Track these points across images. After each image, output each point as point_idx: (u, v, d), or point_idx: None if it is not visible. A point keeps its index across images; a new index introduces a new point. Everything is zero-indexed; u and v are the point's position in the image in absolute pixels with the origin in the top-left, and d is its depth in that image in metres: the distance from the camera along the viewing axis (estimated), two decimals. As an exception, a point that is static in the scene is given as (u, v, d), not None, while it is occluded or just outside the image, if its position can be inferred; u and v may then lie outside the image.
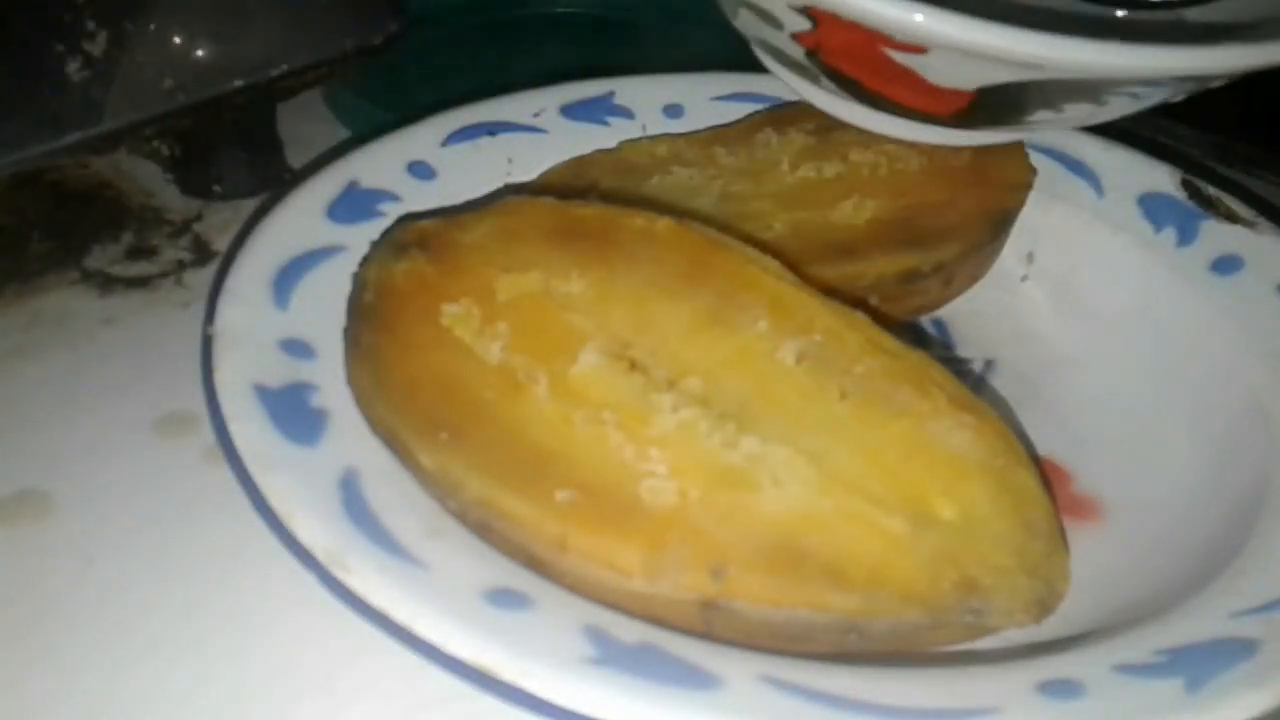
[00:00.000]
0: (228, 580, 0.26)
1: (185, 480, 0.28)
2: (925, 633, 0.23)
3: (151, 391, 0.30)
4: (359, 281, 0.27)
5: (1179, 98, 0.30)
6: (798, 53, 0.31)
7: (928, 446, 0.24)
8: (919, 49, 0.27)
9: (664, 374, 0.24)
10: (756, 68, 0.36)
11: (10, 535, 0.26)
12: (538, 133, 0.34)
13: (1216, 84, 0.29)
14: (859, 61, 0.29)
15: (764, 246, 0.27)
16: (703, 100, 0.36)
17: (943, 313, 0.33)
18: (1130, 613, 0.24)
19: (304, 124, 0.39)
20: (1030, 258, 0.34)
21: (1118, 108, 0.29)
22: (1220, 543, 0.25)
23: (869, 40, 0.28)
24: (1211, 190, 0.33)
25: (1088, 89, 0.28)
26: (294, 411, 0.24)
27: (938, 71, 0.28)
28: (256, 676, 0.24)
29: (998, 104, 0.29)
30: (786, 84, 0.34)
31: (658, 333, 0.25)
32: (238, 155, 0.37)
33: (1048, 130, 0.33)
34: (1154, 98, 0.29)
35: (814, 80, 0.32)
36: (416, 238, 0.27)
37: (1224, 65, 0.27)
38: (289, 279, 0.28)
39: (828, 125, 0.34)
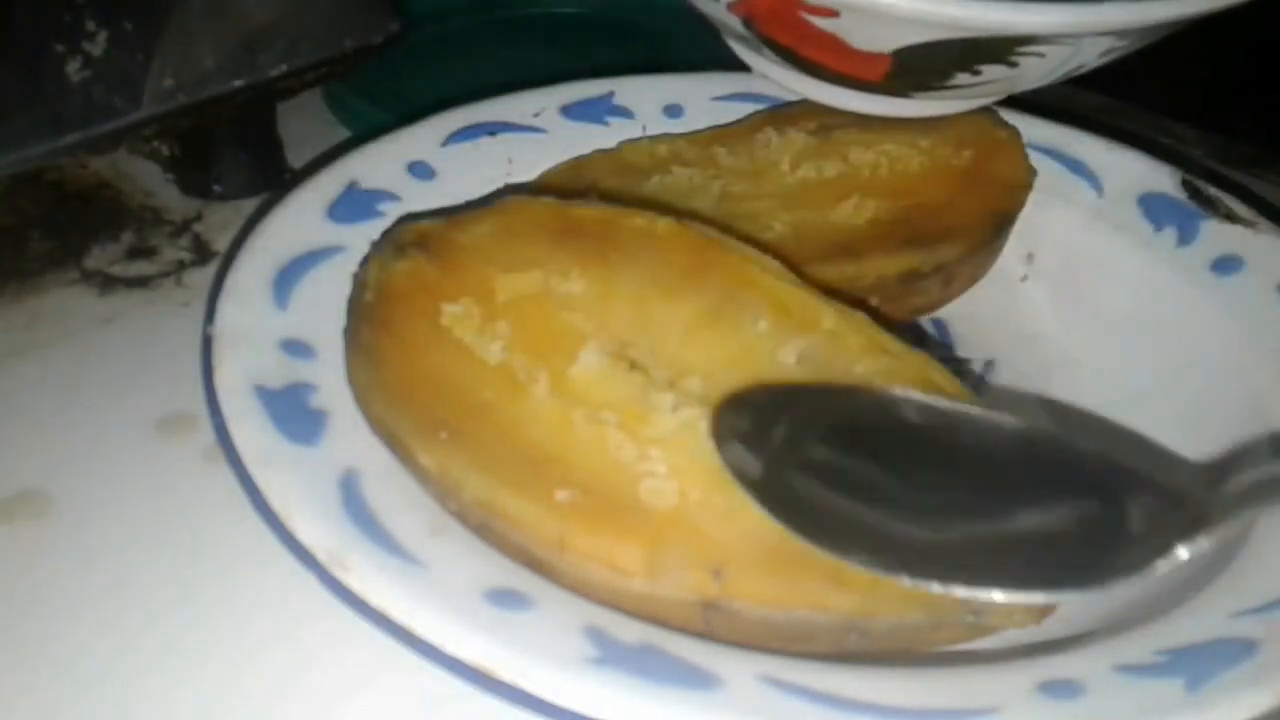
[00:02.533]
0: (227, 580, 0.26)
1: (185, 480, 0.28)
2: (925, 632, 0.23)
3: (151, 391, 0.30)
4: (359, 281, 0.27)
5: (1096, 62, 0.30)
6: (737, 24, 0.31)
7: (928, 447, 0.24)
8: (832, 11, 0.28)
9: (664, 374, 0.24)
10: (756, 68, 0.36)
11: (10, 535, 0.26)
12: (538, 133, 0.34)
13: (1124, 46, 0.30)
14: (785, 27, 0.30)
15: (764, 246, 0.28)
16: (703, 100, 0.36)
17: (943, 313, 0.33)
18: (1130, 613, 0.24)
19: (304, 124, 0.39)
20: (1030, 258, 0.34)
21: (1033, 70, 0.30)
22: (1220, 543, 0.25)
23: (787, 4, 0.28)
24: (1211, 190, 0.33)
25: (991, 48, 0.29)
26: (294, 411, 0.24)
27: (854, 34, 0.29)
28: (255, 676, 0.24)
29: (917, 67, 0.30)
30: (748, 63, 0.34)
31: (658, 333, 0.25)
32: (238, 155, 0.37)
33: (979, 96, 0.33)
34: (1066, 60, 0.30)
35: (759, 52, 0.33)
36: (416, 238, 0.27)
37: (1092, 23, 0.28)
38: (289, 279, 0.28)
39: (828, 125, 0.34)
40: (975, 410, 0.22)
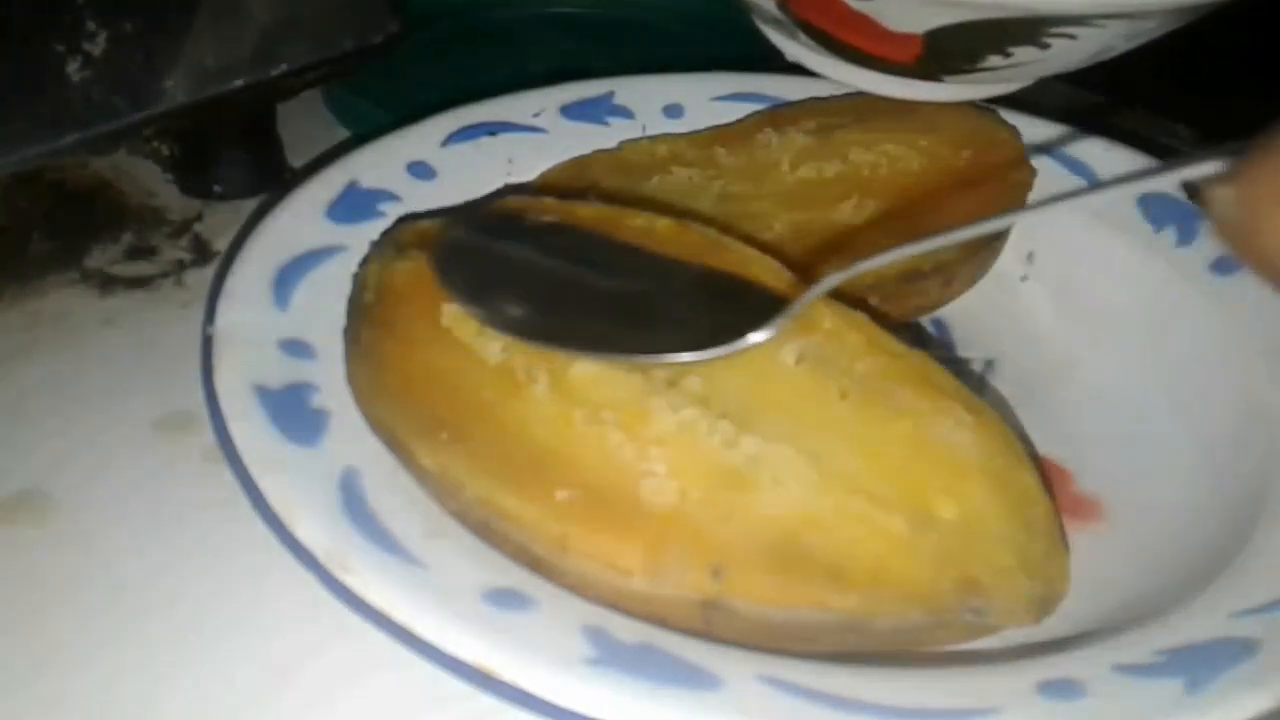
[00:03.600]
0: (228, 580, 0.26)
1: (185, 480, 0.28)
2: (926, 632, 0.23)
3: (151, 391, 0.30)
4: (359, 281, 0.27)
5: (1123, 46, 0.30)
6: (772, 7, 0.32)
7: (928, 446, 0.24)
8: None
9: (664, 373, 0.24)
10: (756, 68, 0.36)
11: (11, 535, 0.26)
12: (538, 133, 0.34)
13: (1150, 29, 0.30)
14: (821, 9, 0.30)
15: (764, 246, 0.27)
16: (703, 100, 0.36)
17: (943, 313, 0.33)
18: (1130, 613, 0.24)
19: (304, 124, 0.39)
20: (1030, 258, 0.34)
21: (1063, 53, 0.30)
22: (1220, 543, 0.25)
23: None
24: (1211, 190, 0.33)
25: (1024, 30, 0.29)
26: (294, 411, 0.24)
27: (887, 14, 0.29)
28: (256, 676, 0.24)
29: (948, 48, 0.30)
30: (779, 47, 0.35)
31: (657, 332, 0.25)
32: (238, 155, 0.37)
33: (1007, 80, 0.33)
34: (1095, 42, 0.30)
35: (794, 36, 0.33)
36: (416, 238, 0.27)
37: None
38: (289, 279, 0.28)
39: (828, 125, 0.34)
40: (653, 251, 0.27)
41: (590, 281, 0.26)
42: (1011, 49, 0.30)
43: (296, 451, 0.24)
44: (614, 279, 0.26)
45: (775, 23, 0.33)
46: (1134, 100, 0.45)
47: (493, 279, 0.26)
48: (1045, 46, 0.30)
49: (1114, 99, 0.45)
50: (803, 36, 0.32)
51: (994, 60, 0.31)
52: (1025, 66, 0.31)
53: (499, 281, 0.26)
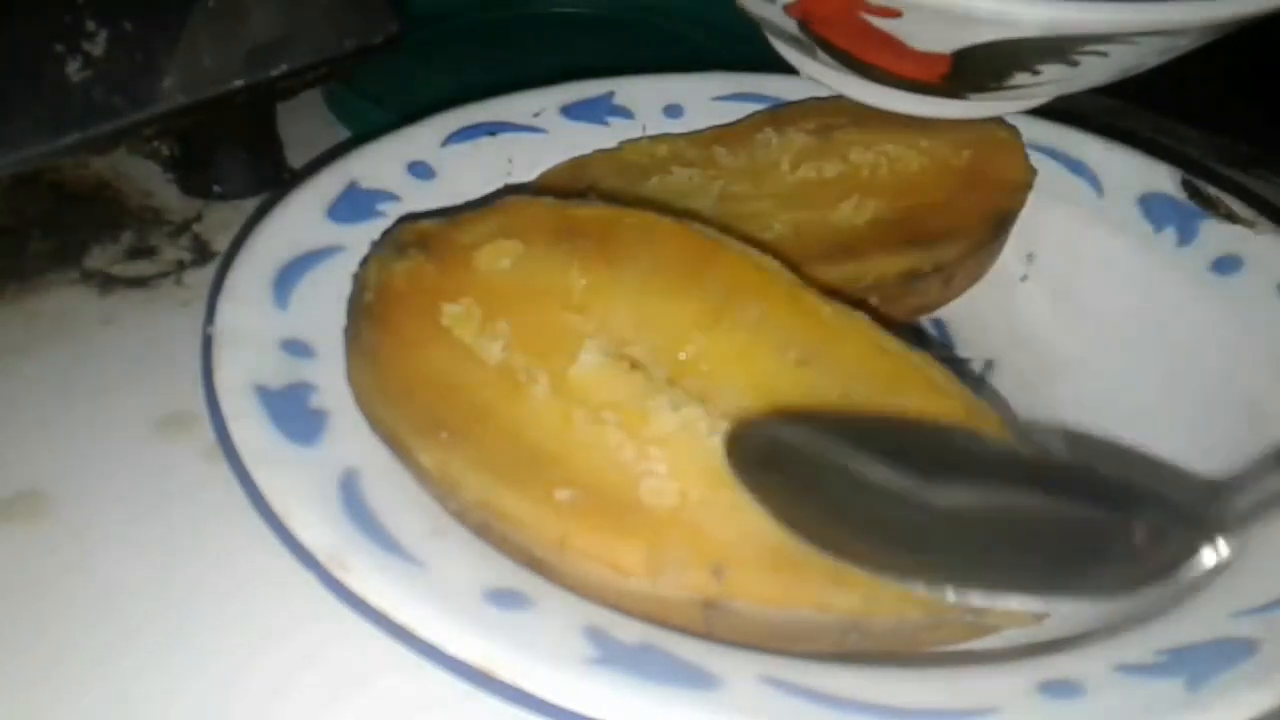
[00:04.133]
0: (227, 580, 0.26)
1: (185, 480, 0.28)
2: (925, 632, 0.23)
3: (151, 391, 0.30)
4: (359, 281, 0.27)
5: (1153, 62, 0.30)
6: (791, 26, 0.31)
7: (928, 447, 0.24)
8: (894, 12, 0.28)
9: (664, 373, 0.24)
10: (756, 68, 0.36)
11: (10, 535, 0.26)
12: (538, 133, 0.34)
13: (1183, 45, 0.30)
14: (843, 29, 0.30)
15: (764, 246, 0.28)
16: (703, 100, 0.36)
17: (943, 313, 0.33)
18: (1130, 613, 0.24)
19: (304, 124, 0.39)
20: (1030, 258, 0.34)
21: (1092, 70, 0.30)
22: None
23: (848, 5, 0.28)
24: (1211, 190, 0.33)
25: (1055, 48, 0.29)
26: (294, 411, 0.24)
27: (915, 35, 0.29)
28: (255, 676, 0.24)
29: (976, 67, 0.30)
30: (794, 65, 0.34)
31: (658, 332, 0.25)
32: (238, 155, 0.37)
33: (1033, 97, 0.33)
34: (1126, 60, 0.30)
35: (811, 54, 0.33)
36: (416, 238, 0.27)
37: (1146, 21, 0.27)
38: (289, 279, 0.28)
39: (828, 125, 0.34)
40: (989, 438, 0.23)
41: (921, 495, 0.21)
42: (1040, 67, 0.29)
43: (296, 451, 0.24)
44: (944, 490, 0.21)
45: (792, 40, 0.33)
46: (1134, 100, 0.45)
47: (805, 488, 0.22)
48: (1075, 64, 0.29)
49: (1114, 99, 0.45)
50: (821, 55, 0.32)
51: (1022, 78, 0.30)
52: (1053, 84, 0.31)
53: (812, 494, 0.22)
